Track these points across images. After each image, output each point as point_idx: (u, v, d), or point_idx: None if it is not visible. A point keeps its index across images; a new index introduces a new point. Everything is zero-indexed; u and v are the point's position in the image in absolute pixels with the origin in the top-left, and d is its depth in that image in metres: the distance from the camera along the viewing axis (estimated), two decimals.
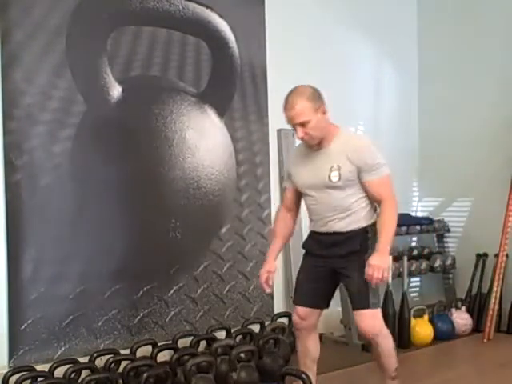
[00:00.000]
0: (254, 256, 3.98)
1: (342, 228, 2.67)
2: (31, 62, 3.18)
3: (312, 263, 2.78)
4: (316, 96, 2.59)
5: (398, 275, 4.30)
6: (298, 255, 3.24)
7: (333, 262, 2.69)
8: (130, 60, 3.54)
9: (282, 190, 3.26)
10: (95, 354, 3.17)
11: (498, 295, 4.35)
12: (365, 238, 2.66)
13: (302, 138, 2.63)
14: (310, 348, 2.84)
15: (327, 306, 2.84)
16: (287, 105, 2.59)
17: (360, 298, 2.65)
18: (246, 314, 3.93)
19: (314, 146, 2.66)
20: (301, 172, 2.74)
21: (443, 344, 4.17)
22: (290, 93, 2.60)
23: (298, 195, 2.83)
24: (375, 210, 2.71)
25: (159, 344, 3.32)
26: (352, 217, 2.66)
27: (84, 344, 3.31)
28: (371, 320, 2.64)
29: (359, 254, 2.64)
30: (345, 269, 2.67)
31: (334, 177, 2.61)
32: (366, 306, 2.63)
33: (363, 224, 2.67)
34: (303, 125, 2.56)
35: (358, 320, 2.67)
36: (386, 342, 2.71)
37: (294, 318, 2.82)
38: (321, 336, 3.90)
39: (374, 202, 2.70)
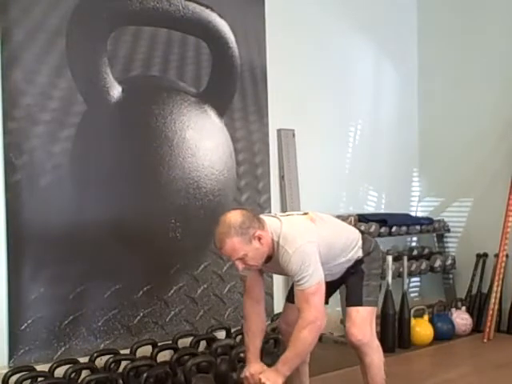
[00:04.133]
0: None
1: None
2: (31, 62, 3.18)
3: None
4: (246, 225, 2.30)
5: (398, 275, 4.31)
6: None
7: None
8: (130, 60, 3.54)
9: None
10: (95, 354, 3.18)
11: (498, 295, 4.35)
12: (359, 261, 2.65)
13: (243, 270, 2.43)
14: None
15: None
16: (216, 242, 2.34)
17: (354, 294, 2.63)
18: None
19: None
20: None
21: (443, 344, 4.17)
22: (218, 227, 2.32)
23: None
24: (357, 242, 2.65)
25: (159, 344, 3.32)
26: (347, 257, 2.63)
27: (84, 344, 3.30)
28: (361, 327, 2.57)
29: (356, 266, 2.64)
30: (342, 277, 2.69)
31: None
32: (359, 303, 2.59)
33: (355, 257, 2.64)
34: (241, 258, 2.34)
35: (348, 325, 2.59)
36: (377, 354, 2.64)
37: (280, 324, 2.76)
38: (321, 336, 3.92)
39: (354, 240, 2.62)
